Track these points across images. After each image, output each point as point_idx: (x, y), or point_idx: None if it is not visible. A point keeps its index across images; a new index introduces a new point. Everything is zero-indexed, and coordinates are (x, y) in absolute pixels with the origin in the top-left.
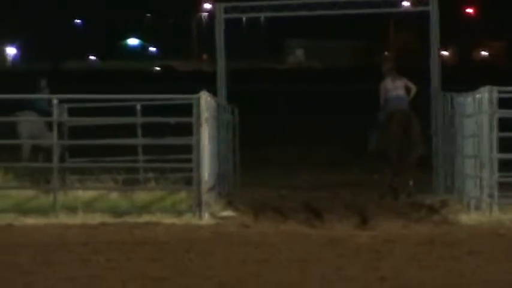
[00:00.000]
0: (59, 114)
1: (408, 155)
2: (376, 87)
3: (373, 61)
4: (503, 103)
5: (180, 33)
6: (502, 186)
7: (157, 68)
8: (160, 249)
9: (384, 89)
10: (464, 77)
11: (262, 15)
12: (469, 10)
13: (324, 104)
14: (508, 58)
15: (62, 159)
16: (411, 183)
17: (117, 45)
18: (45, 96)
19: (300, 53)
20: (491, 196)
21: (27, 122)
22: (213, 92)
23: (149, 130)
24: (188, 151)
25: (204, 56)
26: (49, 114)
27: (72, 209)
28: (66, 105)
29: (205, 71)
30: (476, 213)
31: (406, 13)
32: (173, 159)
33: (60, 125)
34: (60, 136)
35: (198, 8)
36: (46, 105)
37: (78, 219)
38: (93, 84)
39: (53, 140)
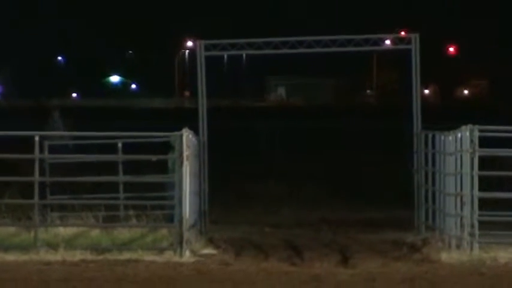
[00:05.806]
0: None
1: None
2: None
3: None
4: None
5: (162, 70)
6: (483, 224)
7: None
8: (140, 286)
9: None
10: (445, 115)
11: (244, 53)
12: (451, 49)
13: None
14: (490, 96)
15: (43, 196)
16: None
17: (100, 83)
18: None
19: (281, 90)
20: (472, 235)
21: None
22: (195, 129)
23: (130, 167)
24: (169, 188)
25: (186, 93)
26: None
27: (53, 246)
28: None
29: (187, 107)
30: (457, 251)
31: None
32: (154, 196)
33: (41, 161)
34: (42, 173)
35: (180, 45)
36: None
37: (59, 256)
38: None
39: None
